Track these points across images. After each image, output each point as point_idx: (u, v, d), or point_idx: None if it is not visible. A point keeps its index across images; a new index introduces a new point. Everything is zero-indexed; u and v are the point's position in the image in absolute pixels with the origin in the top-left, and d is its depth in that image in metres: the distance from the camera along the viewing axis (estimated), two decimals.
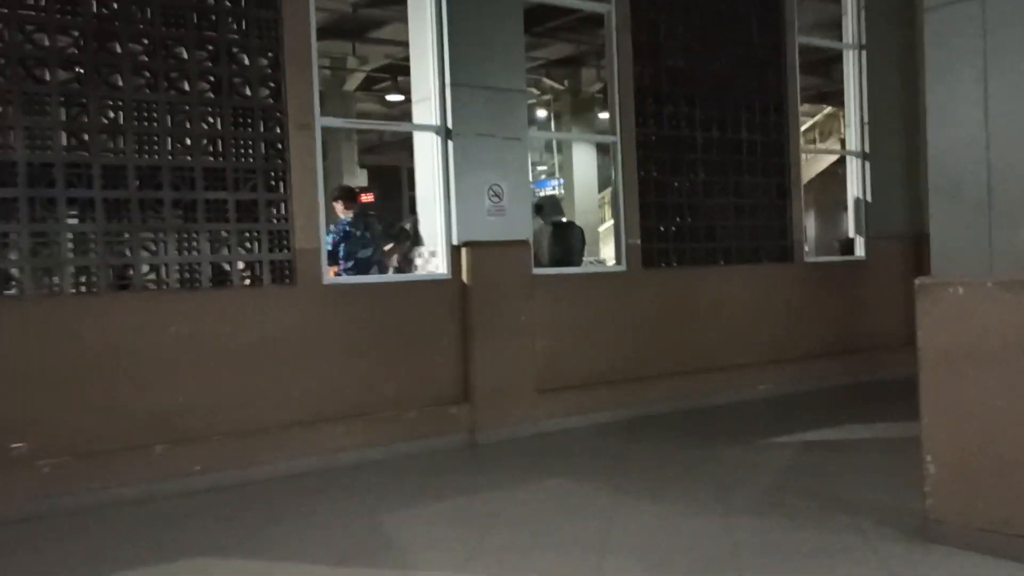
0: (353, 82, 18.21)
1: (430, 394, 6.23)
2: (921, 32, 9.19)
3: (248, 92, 5.64)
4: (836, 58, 11.85)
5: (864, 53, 8.78)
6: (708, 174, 7.76)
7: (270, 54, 5.72)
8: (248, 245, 5.62)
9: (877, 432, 6.23)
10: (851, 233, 9.04)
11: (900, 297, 8.99)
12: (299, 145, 5.75)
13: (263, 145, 5.67)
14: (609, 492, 4.85)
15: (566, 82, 20.18)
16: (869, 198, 8.84)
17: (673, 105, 7.56)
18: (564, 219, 7.78)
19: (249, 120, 5.63)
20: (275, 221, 5.71)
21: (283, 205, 5.72)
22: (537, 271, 6.73)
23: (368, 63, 17.42)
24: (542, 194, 17.88)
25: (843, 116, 9.05)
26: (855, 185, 8.93)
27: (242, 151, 5.60)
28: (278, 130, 5.71)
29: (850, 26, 8.82)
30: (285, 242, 5.72)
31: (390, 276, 6.58)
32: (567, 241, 7.46)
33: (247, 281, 5.61)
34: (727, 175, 7.88)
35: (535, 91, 19.87)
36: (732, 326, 7.80)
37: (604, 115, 20.55)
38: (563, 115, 21.16)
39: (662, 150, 7.49)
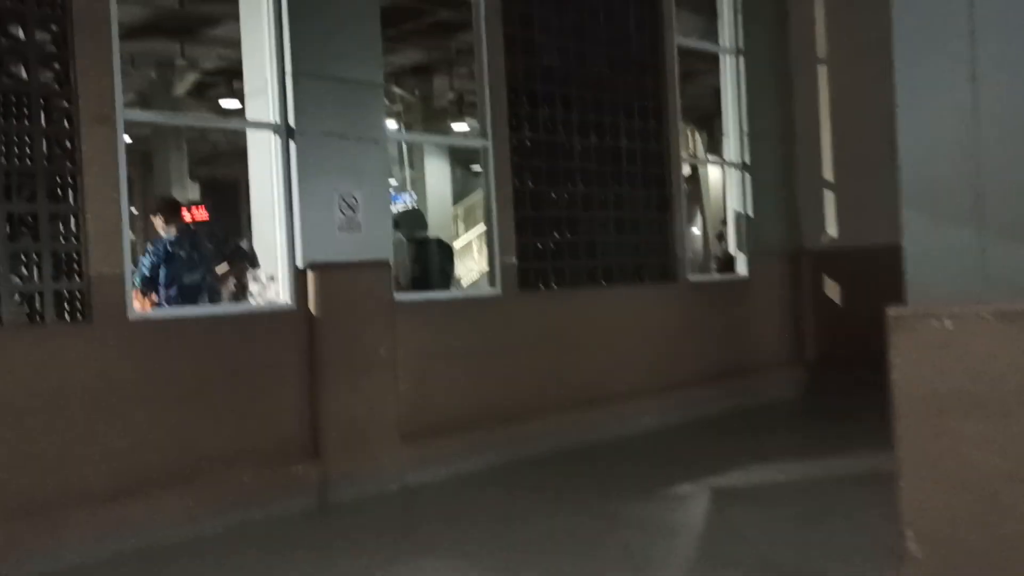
0: (182, 86, 16.54)
1: (270, 449, 5.08)
2: (792, 34, 8.94)
3: (23, 74, 4.37)
4: (694, 71, 11.49)
5: (742, 58, 8.28)
6: (587, 185, 6.97)
7: (54, 26, 4.47)
8: (24, 271, 4.33)
9: (789, 473, 5.56)
10: (731, 249, 8.50)
11: (781, 316, 8.55)
12: (95, 143, 4.51)
13: (45, 142, 4.40)
14: None
15: (417, 92, 19.21)
16: (751, 212, 8.33)
17: (549, 107, 6.73)
18: (428, 235, 6.79)
19: (25, 110, 4.35)
20: (62, 240, 4.44)
21: (73, 219, 4.46)
22: (399, 296, 5.71)
23: (199, 65, 15.82)
24: (396, 209, 16.77)
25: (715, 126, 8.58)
26: (735, 199, 8.40)
27: (15, 150, 4.32)
28: (66, 124, 4.46)
29: (726, 29, 8.30)
30: (76, 267, 4.46)
31: (218, 307, 5.38)
32: (432, 260, 6.48)
33: (23, 318, 4.32)
34: (607, 186, 7.12)
35: (385, 101, 18.77)
36: (614, 353, 7.03)
37: (458, 126, 19.74)
38: (414, 126, 20.17)
39: (538, 157, 6.65)
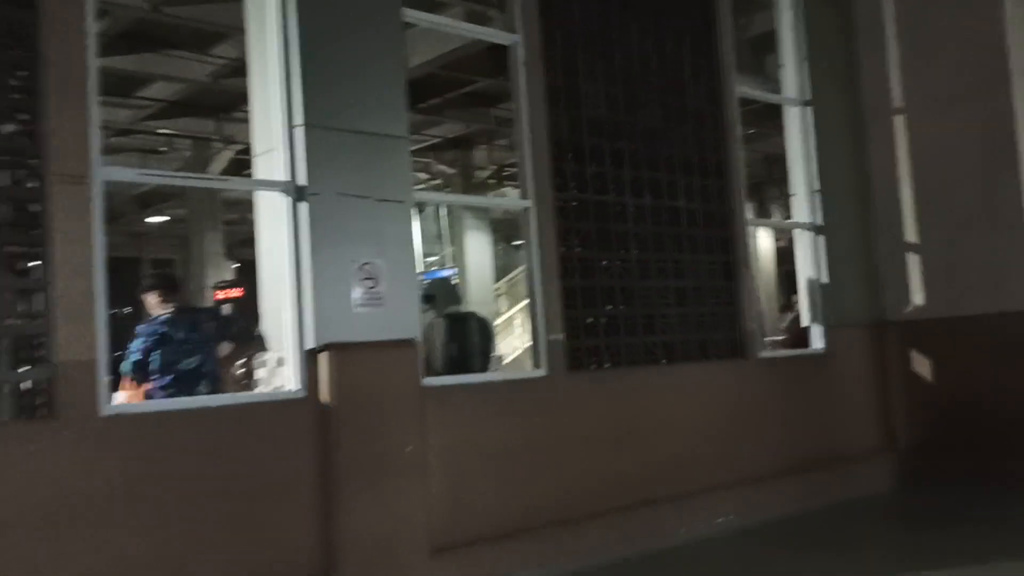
0: (219, 163, 16.22)
1: (274, 570, 4.22)
2: (864, 83, 8.12)
3: None
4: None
5: (809, 109, 7.47)
6: (643, 250, 6.15)
7: (22, 72, 3.83)
8: None
9: None
10: (805, 320, 7.55)
11: (867, 396, 7.53)
12: (65, 206, 3.82)
13: (5, 203, 3.73)
14: None
15: (457, 166, 18.72)
16: (825, 279, 7.41)
17: (597, 164, 5.97)
18: (464, 309, 5.99)
19: None
20: (23, 320, 3.72)
21: (37, 297, 3.75)
22: (428, 381, 4.88)
23: (235, 140, 15.50)
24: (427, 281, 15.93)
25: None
26: (808, 264, 7.49)
27: None
28: (30, 184, 3.78)
29: (792, 79, 7.53)
30: (40, 352, 3.72)
31: (211, 398, 4.59)
32: (468, 338, 5.66)
33: None
34: (665, 251, 6.29)
35: (423, 175, 18.29)
36: (679, 442, 6.09)
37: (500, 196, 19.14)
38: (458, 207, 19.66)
39: (586, 219, 5.86)
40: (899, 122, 7.63)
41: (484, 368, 5.93)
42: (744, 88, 7.07)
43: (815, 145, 7.45)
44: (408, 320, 4.74)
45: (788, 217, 7.81)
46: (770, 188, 19.96)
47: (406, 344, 4.69)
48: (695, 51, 6.70)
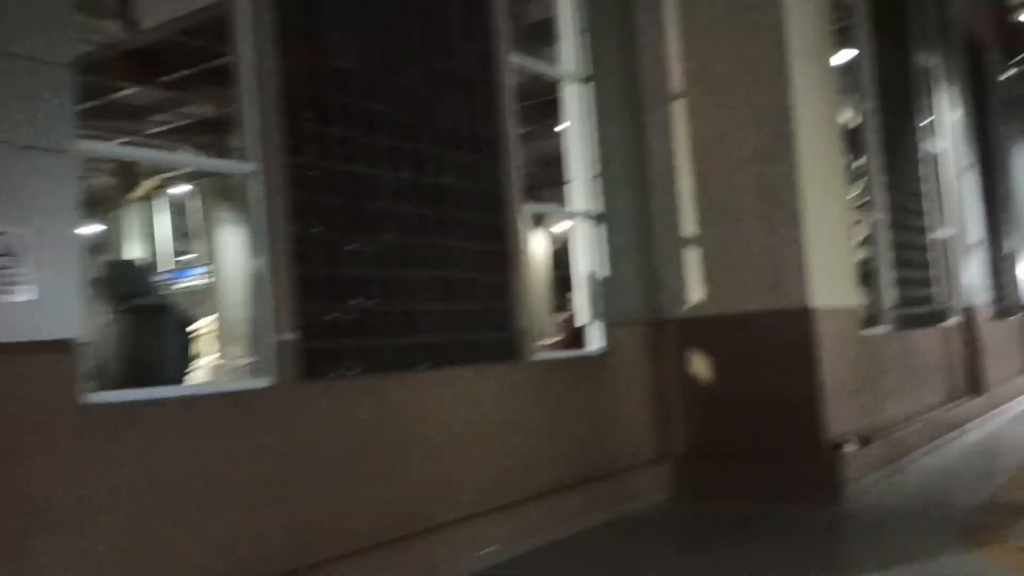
0: None
1: None
2: (642, 63, 7.61)
3: None
4: None
5: (590, 87, 6.81)
6: (402, 233, 5.14)
7: None
8: None
9: None
10: (582, 319, 6.87)
11: (645, 400, 6.96)
12: None
13: None
14: None
15: (212, 151, 16.85)
16: (604, 273, 6.76)
17: (346, 126, 4.89)
18: (152, 300, 4.64)
19: None
20: None
21: None
22: (97, 398, 3.58)
23: None
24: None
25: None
26: (585, 257, 6.81)
27: None
28: None
29: (570, 52, 6.83)
30: None
31: None
32: (159, 339, 4.36)
33: None
34: (429, 236, 5.32)
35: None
36: (444, 462, 5.16)
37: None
38: (209, 194, 17.75)
39: (331, 193, 4.77)
40: (678, 106, 7.15)
41: (180, 377, 4.64)
42: (518, 57, 6.25)
43: (594, 126, 6.79)
44: (65, 313, 3.42)
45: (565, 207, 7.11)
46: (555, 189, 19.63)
47: (60, 346, 3.38)
48: (466, 7, 5.79)
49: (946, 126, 10.98)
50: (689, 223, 7.09)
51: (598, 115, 6.81)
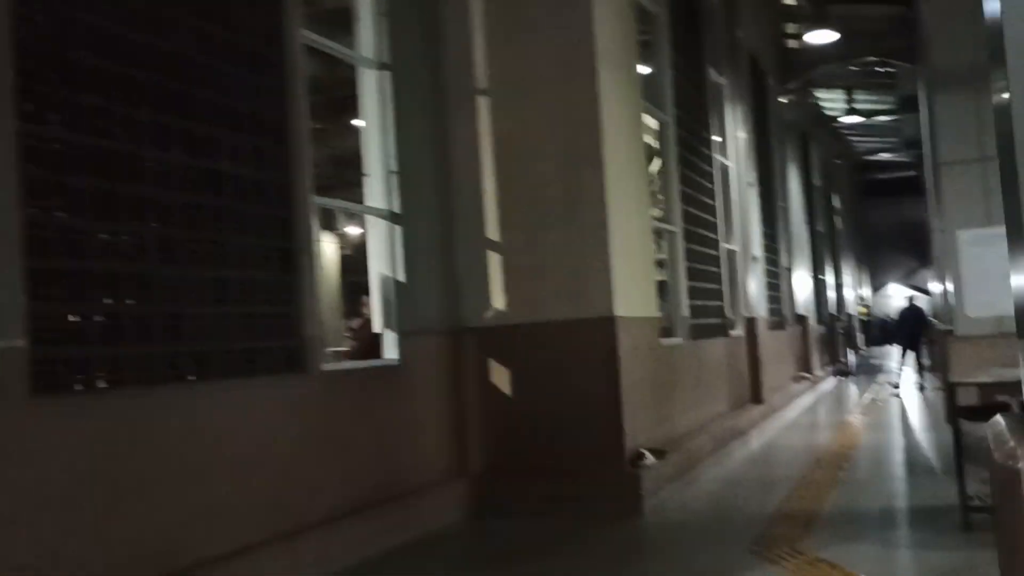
0: None
1: None
2: (448, 54, 7.19)
3: None
4: None
5: (390, 75, 6.31)
6: (167, 224, 4.41)
7: None
8: None
9: None
10: (377, 326, 6.34)
11: (442, 414, 6.53)
12: None
13: None
14: None
15: None
16: (402, 277, 6.27)
17: (101, 94, 4.12)
18: None
19: None
20: None
21: None
22: None
23: None
24: None
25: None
26: (381, 259, 6.29)
27: None
28: None
29: (368, 35, 6.30)
30: None
31: None
32: None
33: None
34: (200, 228, 4.62)
35: None
36: (214, 491, 4.47)
37: None
38: None
39: (78, 171, 3.98)
40: (484, 102, 6.81)
41: None
42: (309, 35, 5.65)
43: (393, 119, 6.30)
44: None
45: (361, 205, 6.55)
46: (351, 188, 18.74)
47: None
48: None
49: (732, 144, 11.42)
50: (493, 226, 6.75)
51: (397, 107, 6.33)
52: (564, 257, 6.53)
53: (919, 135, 22.17)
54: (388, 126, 6.29)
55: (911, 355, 14.72)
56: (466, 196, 6.81)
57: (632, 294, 6.76)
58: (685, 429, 8.02)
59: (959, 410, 5.18)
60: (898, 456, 8.28)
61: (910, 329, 14.73)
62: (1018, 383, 5.21)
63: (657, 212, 8.64)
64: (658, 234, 8.46)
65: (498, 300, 6.73)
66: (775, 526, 5.61)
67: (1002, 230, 5.45)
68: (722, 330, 9.76)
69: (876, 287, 42.13)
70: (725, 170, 10.93)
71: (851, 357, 21.71)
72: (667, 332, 8.26)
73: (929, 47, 5.60)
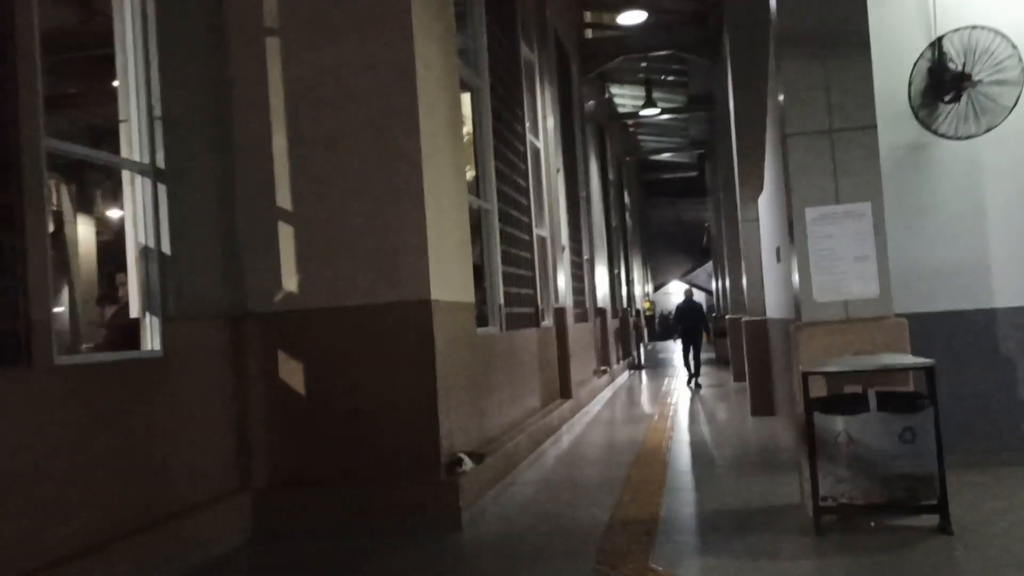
0: None
1: None
2: None
3: None
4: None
5: (151, 2, 5.05)
6: None
7: None
8: None
9: None
10: (135, 311, 5.06)
11: (220, 416, 5.36)
12: None
13: None
14: None
15: None
16: (167, 249, 5.03)
17: None
18: None
19: None
20: None
21: None
22: None
23: None
24: None
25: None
26: (141, 227, 5.02)
27: None
28: None
29: None
30: None
31: None
32: None
33: None
34: None
35: None
36: None
37: None
38: None
39: None
40: (273, 44, 5.68)
41: None
42: None
43: (156, 51, 5.04)
44: None
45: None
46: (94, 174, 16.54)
47: None
48: None
49: (542, 126, 10.83)
50: (284, 192, 5.65)
51: (161, 35, 5.07)
52: (372, 230, 5.54)
53: (706, 135, 22.94)
54: (150, 59, 5.02)
55: (692, 350, 14.55)
56: (251, 154, 5.66)
57: (450, 276, 5.90)
58: (501, 428, 7.25)
59: (812, 402, 4.70)
60: (715, 452, 7.95)
61: (691, 324, 14.67)
62: (872, 372, 4.86)
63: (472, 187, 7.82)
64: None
65: (290, 280, 5.63)
66: (615, 536, 4.93)
67: (852, 207, 4.93)
68: (535, 320, 9.10)
69: (657, 285, 43.93)
70: (537, 152, 10.30)
71: (640, 351, 22.06)
72: (480, 320, 7.44)
73: (778, 9, 5.10)
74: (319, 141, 5.60)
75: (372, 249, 5.52)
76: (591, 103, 16.35)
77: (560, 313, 10.50)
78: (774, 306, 9.13)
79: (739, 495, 5.86)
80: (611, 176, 20.20)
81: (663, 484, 6.48)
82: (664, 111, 19.22)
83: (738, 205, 10.26)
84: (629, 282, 24.50)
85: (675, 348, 31.73)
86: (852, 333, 4.94)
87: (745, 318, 10.27)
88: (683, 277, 47.11)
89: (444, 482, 5.38)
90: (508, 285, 8.08)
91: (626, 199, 24.65)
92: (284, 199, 5.66)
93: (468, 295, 6.40)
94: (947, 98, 6.14)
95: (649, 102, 16.11)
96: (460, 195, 6.48)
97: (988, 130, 6.13)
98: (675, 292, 46.80)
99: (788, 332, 5.24)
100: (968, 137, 6.16)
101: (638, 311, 25.60)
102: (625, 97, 20.47)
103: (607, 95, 19.27)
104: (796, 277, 5.14)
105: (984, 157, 6.15)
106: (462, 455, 5.64)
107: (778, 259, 8.38)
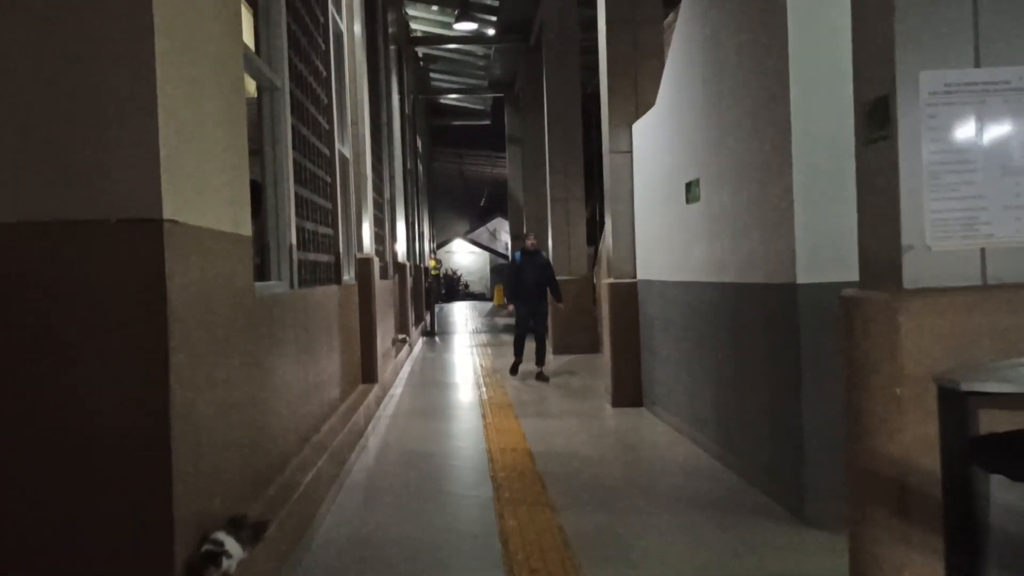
0: None
1: None
2: None
3: None
4: None
5: None
6: None
7: None
8: None
9: None
10: None
11: None
12: None
13: None
14: None
15: None
16: None
17: None
18: None
19: None
20: None
21: None
22: None
23: None
24: None
25: None
26: None
27: None
28: None
29: None
30: None
31: None
32: None
33: None
34: None
35: None
36: None
37: None
38: None
39: None
40: None
41: None
42: None
43: None
44: None
45: None
46: None
47: None
48: None
49: (346, 7, 7.86)
50: None
51: None
52: (33, 73, 2.53)
53: (512, 75, 20.55)
54: None
55: (533, 322, 10.21)
56: None
57: (205, 180, 2.97)
58: (288, 447, 4.41)
59: (978, 448, 2.34)
60: (617, 471, 5.56)
61: (534, 285, 10.07)
62: None
63: (251, 54, 4.78)
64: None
65: None
66: None
67: (1010, 73, 2.57)
68: (336, 274, 6.24)
69: (439, 243, 41.36)
70: (339, 34, 7.33)
71: (434, 314, 19.58)
72: (258, 273, 4.50)
73: None
74: None
75: (28, 110, 2.50)
76: (392, 16, 13.42)
77: (365, 265, 7.69)
78: (659, 266, 6.86)
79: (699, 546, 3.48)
80: (407, 111, 17.34)
81: (566, 542, 3.97)
82: (470, 39, 16.64)
83: (606, 133, 7.86)
84: (420, 236, 21.87)
85: (461, 310, 28.85)
86: (999, 311, 2.61)
87: (607, 280, 7.96)
88: (466, 236, 45.05)
89: None
90: (302, 218, 5.20)
91: (419, 143, 21.89)
92: None
93: (241, 223, 3.46)
94: None
95: (465, 14, 13.33)
96: (228, 47, 3.49)
97: None
98: (458, 251, 44.65)
99: (846, 308, 2.83)
100: None
101: (426, 269, 23.00)
102: (423, 21, 17.53)
103: (404, 13, 16.31)
104: (883, 204, 2.73)
105: None
106: (220, 535, 2.79)
107: (687, 199, 6.07)
